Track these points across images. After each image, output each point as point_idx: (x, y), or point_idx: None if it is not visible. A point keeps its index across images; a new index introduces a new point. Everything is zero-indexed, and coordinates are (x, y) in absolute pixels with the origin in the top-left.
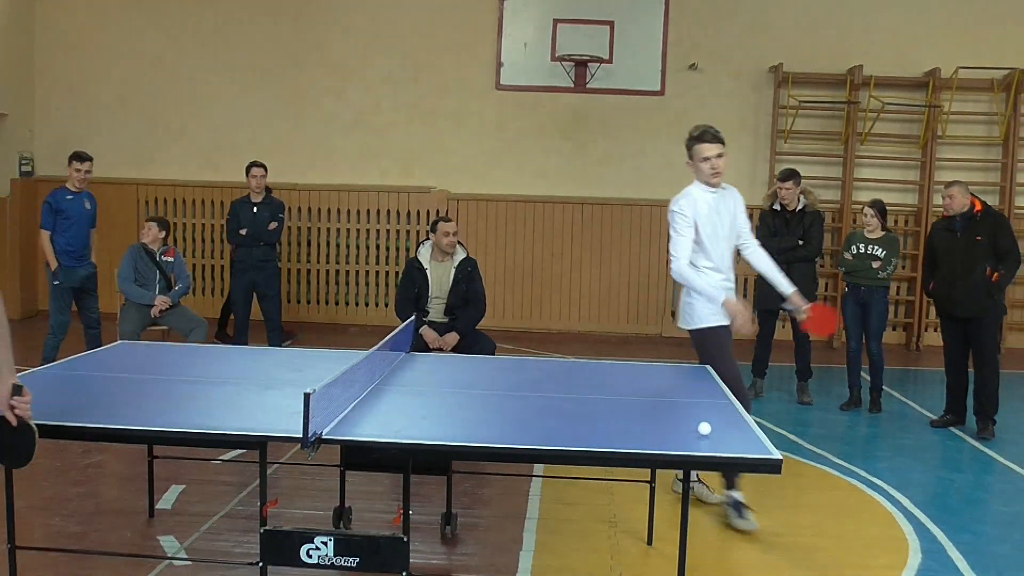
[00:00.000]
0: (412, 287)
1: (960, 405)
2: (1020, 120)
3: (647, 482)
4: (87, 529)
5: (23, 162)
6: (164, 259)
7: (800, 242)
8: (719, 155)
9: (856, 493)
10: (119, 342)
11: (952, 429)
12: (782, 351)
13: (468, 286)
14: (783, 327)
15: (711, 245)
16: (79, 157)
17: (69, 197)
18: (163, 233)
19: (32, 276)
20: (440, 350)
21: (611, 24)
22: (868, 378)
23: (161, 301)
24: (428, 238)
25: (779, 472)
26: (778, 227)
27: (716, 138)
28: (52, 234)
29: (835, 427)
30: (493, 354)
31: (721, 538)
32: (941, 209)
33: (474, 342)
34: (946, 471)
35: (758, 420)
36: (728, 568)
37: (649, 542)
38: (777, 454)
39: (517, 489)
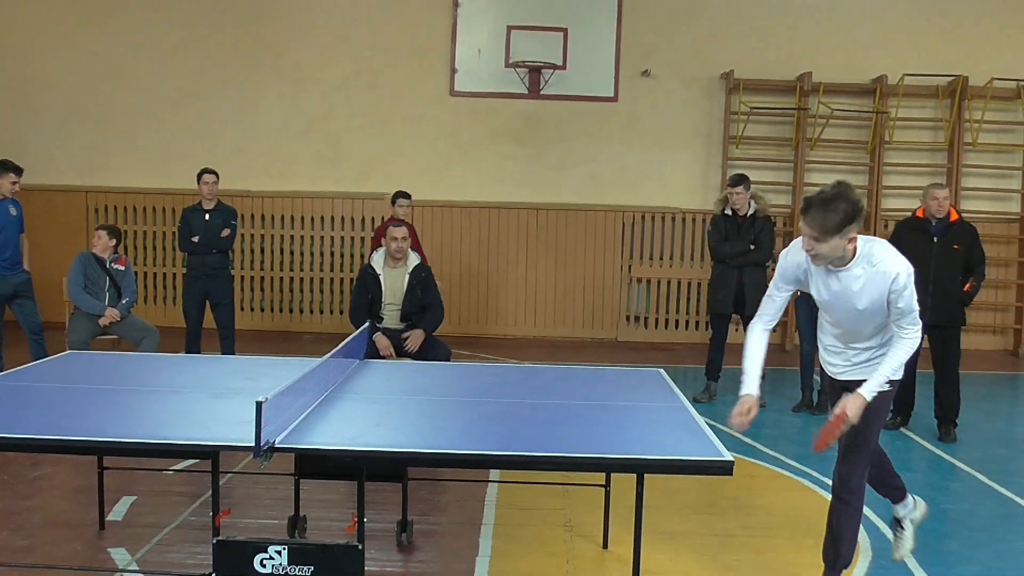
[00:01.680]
0: (366, 293)
1: (909, 407)
2: (964, 126)
3: (602, 486)
4: (35, 543)
5: None
6: (114, 267)
7: (752, 246)
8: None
9: (808, 494)
10: (68, 352)
11: (903, 430)
12: (735, 355)
13: (424, 292)
14: (736, 331)
15: None
16: (16, 170)
17: None
18: (113, 241)
19: None
20: (392, 357)
21: (565, 31)
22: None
23: (111, 313)
24: (382, 244)
25: (731, 474)
26: (729, 232)
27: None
28: None
29: (788, 428)
30: (448, 360)
31: (675, 540)
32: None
33: (429, 348)
34: (897, 471)
35: (711, 423)
36: (682, 570)
37: (605, 545)
38: (729, 456)
39: (473, 495)
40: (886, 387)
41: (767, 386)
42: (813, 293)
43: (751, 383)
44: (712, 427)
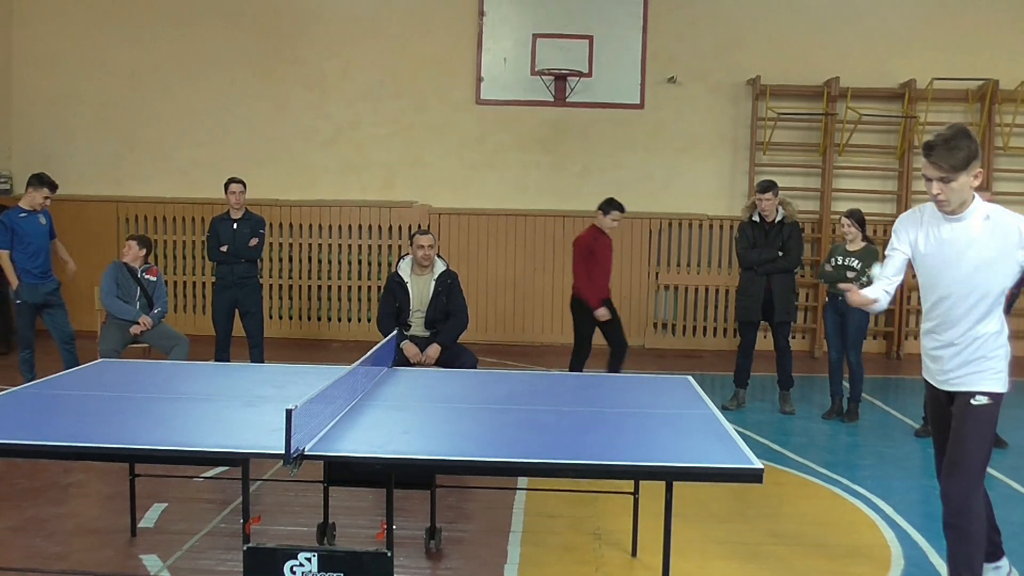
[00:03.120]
0: (393, 301)
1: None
2: (995, 130)
3: (631, 493)
4: (68, 549)
5: (1, 180)
6: (145, 277)
7: (780, 253)
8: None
9: (838, 501)
10: (99, 360)
11: None
12: (764, 361)
13: (449, 299)
14: (764, 338)
15: None
16: (52, 185)
17: (23, 215)
18: (144, 251)
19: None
20: (421, 365)
21: (590, 38)
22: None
23: (144, 321)
24: (409, 252)
25: (760, 482)
26: (758, 239)
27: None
28: (11, 253)
29: (817, 436)
30: (475, 367)
31: (704, 549)
32: None
33: (456, 355)
34: (928, 479)
35: (740, 430)
36: None
37: (633, 553)
38: (758, 464)
39: (501, 502)
40: (986, 400)
41: (796, 394)
42: (920, 256)
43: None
44: (741, 435)
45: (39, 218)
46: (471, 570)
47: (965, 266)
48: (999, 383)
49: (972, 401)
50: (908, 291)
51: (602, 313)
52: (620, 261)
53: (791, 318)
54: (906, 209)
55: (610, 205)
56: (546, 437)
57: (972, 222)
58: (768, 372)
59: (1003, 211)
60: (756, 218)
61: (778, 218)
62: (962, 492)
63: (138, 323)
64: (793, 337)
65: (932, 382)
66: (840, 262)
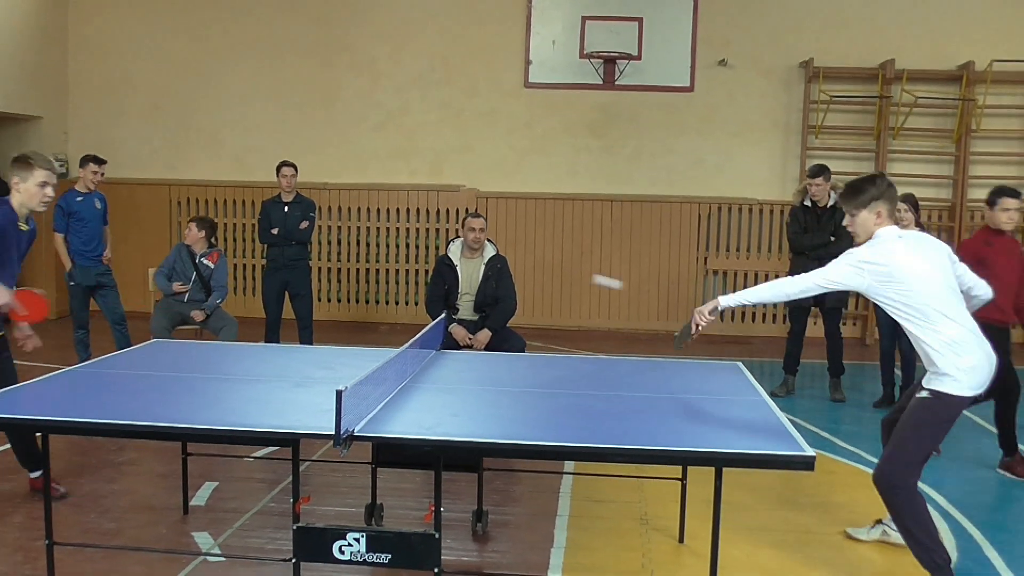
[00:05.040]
0: (442, 284)
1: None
2: None
3: (678, 479)
4: (122, 526)
5: (58, 163)
6: (203, 262)
7: (832, 238)
8: None
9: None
10: (152, 341)
11: (989, 427)
12: (814, 348)
13: (498, 283)
14: (815, 324)
15: None
16: (97, 160)
17: (79, 199)
18: (202, 232)
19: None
20: (470, 347)
21: (640, 20)
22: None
23: (195, 315)
24: (458, 236)
25: (812, 469)
26: (809, 224)
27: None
28: (66, 235)
29: (868, 424)
30: (523, 351)
31: (752, 536)
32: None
33: (504, 339)
34: (983, 469)
35: (790, 417)
36: (760, 566)
37: (681, 540)
38: (810, 451)
39: (548, 486)
40: (926, 394)
41: (847, 381)
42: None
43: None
44: (790, 422)
45: (95, 201)
46: (517, 553)
47: None
48: (944, 384)
49: (918, 394)
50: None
51: None
52: (668, 246)
53: (843, 304)
54: (963, 195)
55: (996, 194)
56: (594, 422)
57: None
58: (818, 359)
59: (883, 241)
60: (808, 203)
61: (830, 203)
62: (895, 471)
63: (199, 311)
64: (844, 324)
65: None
66: None
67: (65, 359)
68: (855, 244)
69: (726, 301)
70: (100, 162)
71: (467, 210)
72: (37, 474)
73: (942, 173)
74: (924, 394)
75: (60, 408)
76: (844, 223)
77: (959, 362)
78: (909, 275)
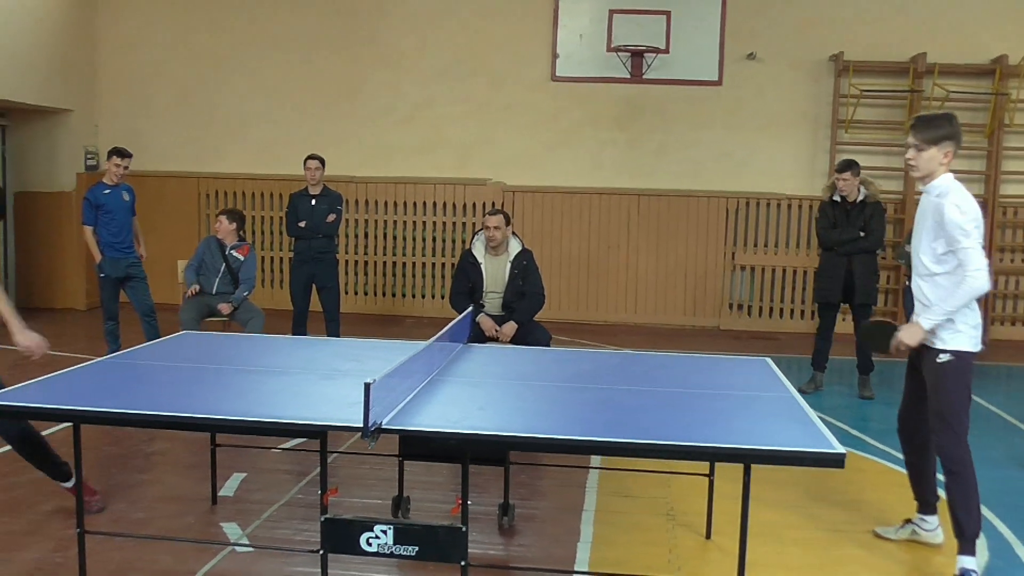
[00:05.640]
0: (466, 281)
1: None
2: None
3: (706, 475)
4: (151, 515)
5: (88, 156)
6: (233, 254)
7: (861, 233)
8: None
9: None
10: (181, 332)
11: (1020, 426)
12: (843, 344)
13: (525, 280)
14: (843, 320)
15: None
16: (120, 153)
17: (107, 191)
18: (233, 224)
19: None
20: (496, 340)
21: (667, 14)
22: None
23: (223, 308)
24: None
25: (842, 467)
26: (839, 219)
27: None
28: (95, 228)
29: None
30: (548, 345)
31: (780, 533)
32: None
33: (529, 331)
34: (1012, 468)
35: (819, 414)
36: (788, 564)
37: (708, 536)
38: (841, 448)
39: (574, 481)
40: (948, 357)
41: (876, 378)
42: None
43: None
44: (820, 418)
45: (122, 194)
46: (543, 547)
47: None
48: (959, 341)
49: (937, 359)
50: (995, 275)
51: None
52: (695, 241)
53: (872, 300)
54: (995, 190)
55: None
56: (621, 416)
57: (930, 196)
58: (847, 356)
59: (956, 192)
60: (837, 198)
61: (860, 198)
62: (950, 442)
63: (226, 304)
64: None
65: None
66: None
67: (95, 350)
68: (919, 179)
69: (925, 322)
70: (124, 155)
71: (493, 204)
72: (70, 483)
73: (974, 168)
74: (946, 357)
75: (91, 398)
76: (907, 157)
77: (971, 318)
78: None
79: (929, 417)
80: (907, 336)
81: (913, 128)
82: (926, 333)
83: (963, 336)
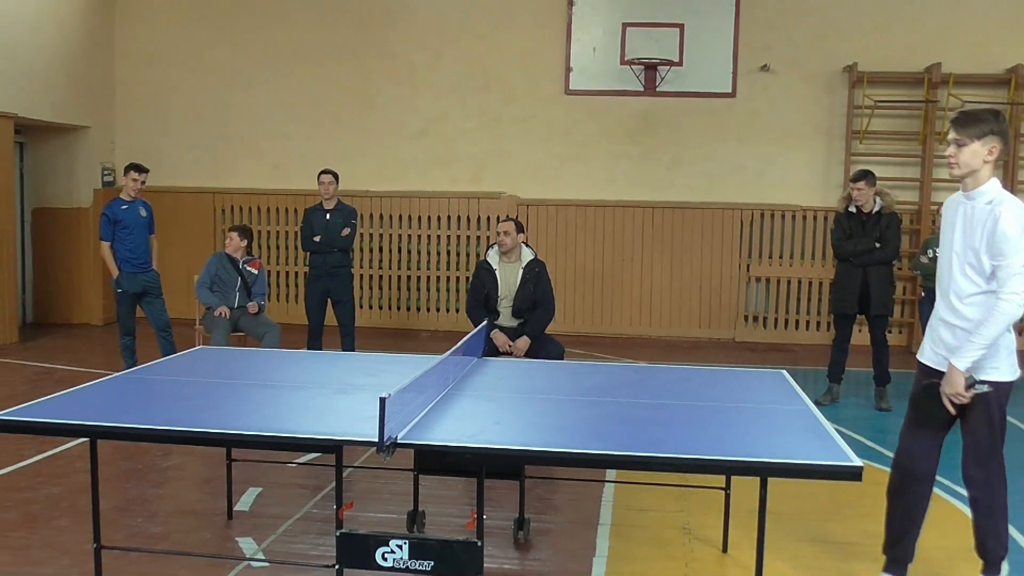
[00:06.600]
0: (482, 288)
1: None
2: None
3: (722, 488)
4: (168, 530)
5: (105, 172)
6: (247, 268)
7: (877, 244)
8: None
9: (938, 502)
10: (196, 348)
11: None
12: (859, 356)
13: (536, 287)
14: (859, 332)
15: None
16: (138, 168)
17: (124, 207)
18: (245, 241)
19: None
20: (509, 354)
21: (681, 27)
22: None
23: (223, 311)
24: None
25: (860, 479)
26: (854, 229)
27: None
28: (112, 244)
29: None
30: (561, 357)
31: (796, 548)
32: None
33: (542, 344)
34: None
35: (835, 427)
36: None
37: (724, 550)
38: (858, 461)
39: (589, 494)
40: (986, 388)
41: (893, 390)
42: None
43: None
44: (837, 431)
45: (139, 209)
46: (559, 561)
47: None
48: (996, 371)
49: (972, 389)
50: None
51: None
52: (710, 253)
53: (888, 311)
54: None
55: None
56: (636, 430)
57: (977, 203)
58: (863, 367)
59: (1013, 201)
60: (852, 209)
61: (875, 208)
62: (979, 470)
63: (223, 308)
64: (890, 331)
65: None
66: (937, 254)
67: (112, 365)
68: (960, 178)
69: (960, 362)
70: (141, 170)
71: (507, 216)
72: None
73: None
74: (986, 388)
75: (107, 414)
76: (947, 152)
77: (1007, 342)
78: None
79: (964, 452)
80: (952, 387)
81: (954, 123)
82: (967, 372)
83: (1000, 364)
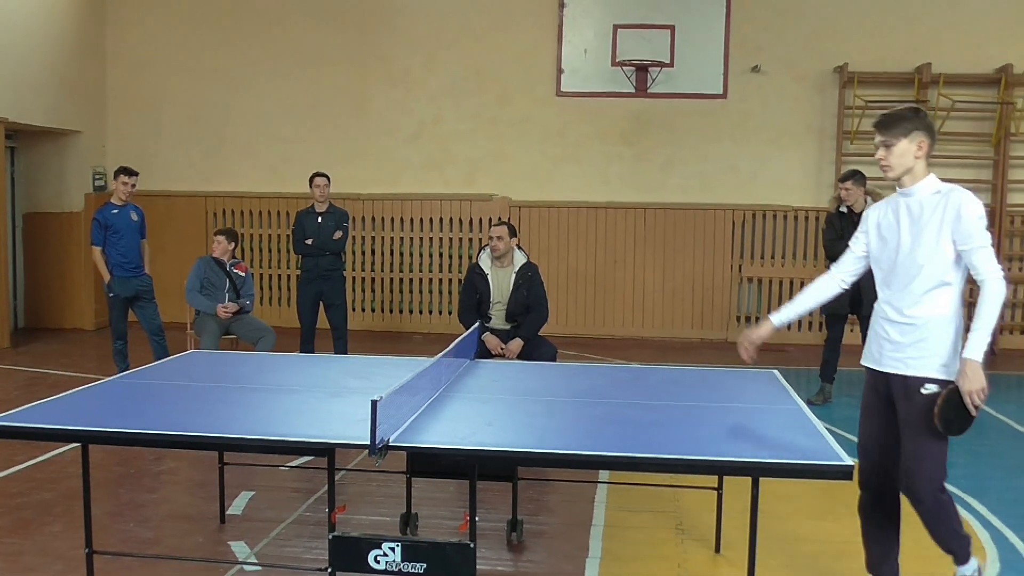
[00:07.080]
0: (474, 292)
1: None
2: None
3: (715, 488)
4: (160, 534)
5: (96, 177)
6: (234, 271)
7: None
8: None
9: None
10: (189, 351)
11: None
12: (851, 356)
13: (529, 291)
14: (851, 331)
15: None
16: (127, 171)
17: (115, 211)
18: (232, 245)
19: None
20: (502, 357)
21: (672, 28)
22: None
23: (223, 308)
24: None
25: (851, 479)
26: (846, 230)
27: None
28: (103, 248)
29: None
30: (554, 359)
31: (789, 547)
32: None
33: (535, 346)
34: None
35: (827, 426)
36: None
37: (717, 549)
38: (849, 461)
39: (582, 496)
40: (934, 388)
41: None
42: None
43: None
44: (828, 431)
45: (131, 214)
46: (553, 563)
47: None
48: (947, 367)
49: (922, 390)
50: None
51: None
52: (703, 254)
53: None
54: (1002, 199)
55: None
56: (629, 430)
57: (922, 196)
58: (855, 367)
59: (958, 189)
60: (844, 209)
61: (867, 208)
62: (919, 477)
63: (225, 307)
64: None
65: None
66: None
67: (104, 369)
68: (896, 180)
69: (976, 354)
70: (131, 173)
71: (499, 218)
72: None
73: (981, 178)
74: (934, 388)
75: (99, 418)
76: (877, 156)
77: (953, 338)
78: None
79: (903, 460)
80: (974, 383)
81: (877, 126)
82: (980, 363)
83: (952, 365)
